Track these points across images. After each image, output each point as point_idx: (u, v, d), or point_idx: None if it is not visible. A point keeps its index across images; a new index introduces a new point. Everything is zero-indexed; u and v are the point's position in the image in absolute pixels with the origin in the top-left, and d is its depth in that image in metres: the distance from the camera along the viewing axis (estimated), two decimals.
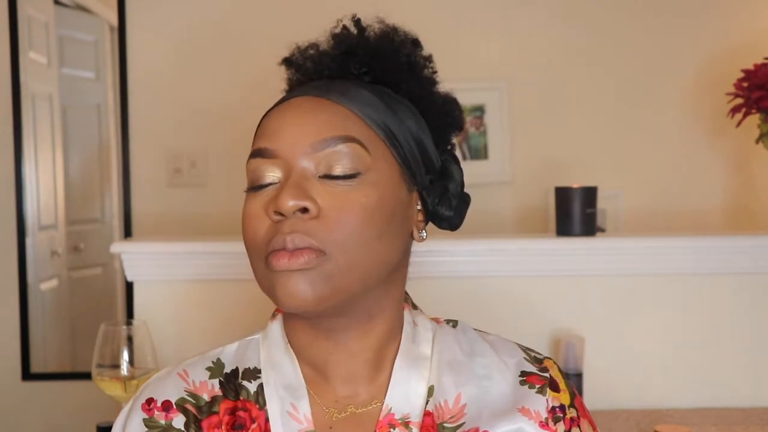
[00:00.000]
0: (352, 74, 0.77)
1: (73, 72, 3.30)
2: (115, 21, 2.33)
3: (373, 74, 0.77)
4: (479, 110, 2.24)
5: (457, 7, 2.19)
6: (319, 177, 0.69)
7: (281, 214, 0.68)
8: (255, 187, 0.72)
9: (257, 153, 0.72)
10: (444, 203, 0.78)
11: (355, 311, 0.73)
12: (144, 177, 2.26)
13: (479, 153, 2.25)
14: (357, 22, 0.79)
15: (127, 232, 2.25)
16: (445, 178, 0.79)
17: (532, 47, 2.24)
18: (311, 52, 0.79)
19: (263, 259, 0.69)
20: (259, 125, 0.76)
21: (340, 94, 0.73)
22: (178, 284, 1.53)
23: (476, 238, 1.49)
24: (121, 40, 2.24)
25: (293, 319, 0.76)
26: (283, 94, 0.80)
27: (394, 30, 0.79)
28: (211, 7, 2.24)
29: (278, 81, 0.81)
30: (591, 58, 2.24)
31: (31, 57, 2.60)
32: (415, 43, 0.80)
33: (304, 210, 0.67)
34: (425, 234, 0.77)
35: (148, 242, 1.55)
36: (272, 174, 0.71)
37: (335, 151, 0.69)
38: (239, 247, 1.48)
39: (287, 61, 0.80)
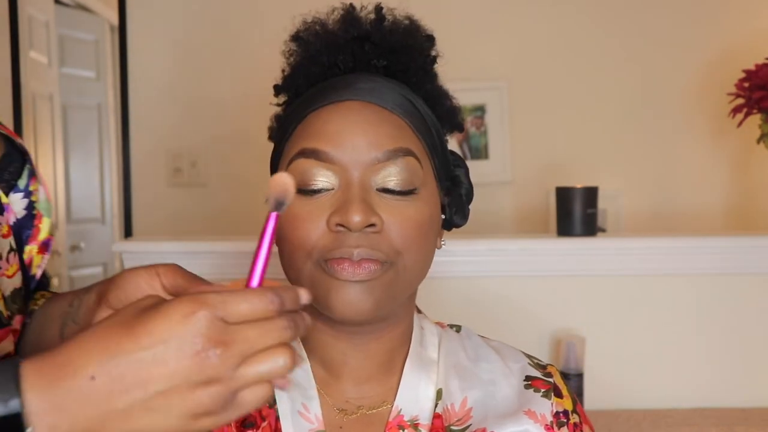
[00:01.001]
0: (369, 64, 0.75)
1: (74, 71, 3.30)
2: (115, 20, 2.33)
3: (392, 69, 0.75)
4: (479, 110, 2.25)
5: (457, 7, 2.20)
6: (377, 190, 0.69)
7: (344, 226, 0.67)
8: (305, 189, 0.69)
9: (310, 153, 0.70)
10: (459, 212, 0.79)
11: (386, 316, 0.74)
12: (144, 176, 2.26)
13: (480, 153, 2.25)
14: (378, 9, 0.76)
15: (128, 232, 2.25)
16: (457, 185, 0.80)
17: (532, 47, 2.24)
18: (317, 28, 0.76)
19: (315, 262, 0.69)
20: (302, 120, 0.73)
21: (395, 103, 0.72)
22: None
23: (476, 238, 1.49)
24: (121, 40, 2.24)
25: (311, 318, 0.76)
26: (286, 68, 0.78)
27: (416, 25, 0.77)
28: (211, 6, 2.25)
29: (279, 79, 0.80)
30: (591, 58, 2.24)
31: (31, 56, 2.60)
32: (432, 39, 0.78)
33: (371, 225, 0.67)
34: (445, 241, 0.78)
35: (149, 242, 1.55)
36: (325, 179, 0.69)
37: (395, 164, 0.69)
38: (239, 246, 1.49)
39: (297, 38, 0.77)
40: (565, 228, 1.53)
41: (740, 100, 1.70)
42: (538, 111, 2.25)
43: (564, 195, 1.54)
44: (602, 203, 1.63)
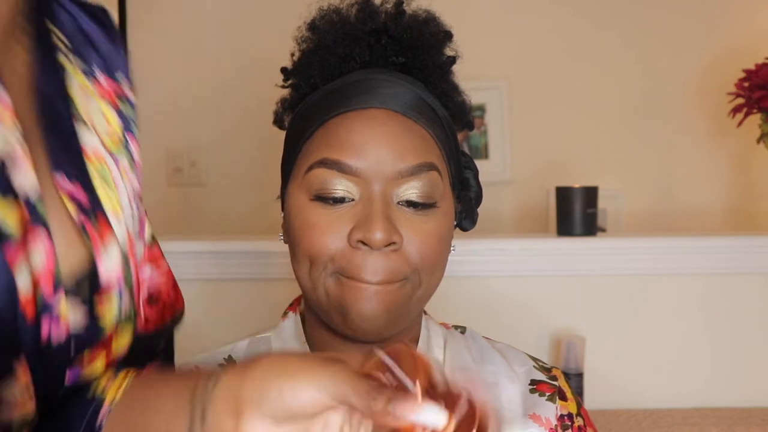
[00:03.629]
0: (386, 60, 0.74)
1: None
2: (115, 20, 2.33)
3: (409, 65, 0.74)
4: (479, 110, 2.25)
5: (457, 7, 2.19)
6: (397, 203, 0.68)
7: (365, 243, 0.66)
8: (325, 198, 0.68)
9: (332, 164, 0.68)
10: (468, 217, 0.78)
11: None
12: (144, 176, 2.25)
13: (479, 152, 2.25)
14: (398, 2, 0.74)
15: None
16: (466, 188, 0.79)
17: (532, 47, 2.24)
18: (334, 17, 0.74)
19: (332, 273, 0.68)
20: (323, 124, 0.70)
21: (418, 111, 0.70)
22: (179, 283, 1.52)
23: (476, 238, 1.49)
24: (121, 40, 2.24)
25: (317, 321, 0.75)
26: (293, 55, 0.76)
27: (435, 20, 0.76)
28: (211, 6, 2.24)
29: (280, 80, 0.79)
30: (591, 58, 2.24)
31: None
32: (450, 36, 0.77)
33: (391, 243, 0.66)
34: (455, 246, 0.77)
35: None
36: (346, 190, 0.68)
37: (418, 179, 0.68)
38: (239, 246, 1.49)
39: (313, 26, 0.75)
40: (565, 228, 1.53)
41: (740, 100, 1.70)
42: (538, 111, 2.25)
43: (564, 195, 1.54)
44: (602, 203, 1.63)
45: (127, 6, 2.22)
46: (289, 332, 0.78)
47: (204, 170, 2.25)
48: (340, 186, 0.67)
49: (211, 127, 2.24)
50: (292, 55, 0.77)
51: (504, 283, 1.52)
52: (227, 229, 2.18)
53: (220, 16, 2.23)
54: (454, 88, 0.77)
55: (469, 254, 1.49)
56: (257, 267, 1.49)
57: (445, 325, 0.83)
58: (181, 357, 0.83)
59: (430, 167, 0.69)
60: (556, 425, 0.75)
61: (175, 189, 2.26)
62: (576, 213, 1.52)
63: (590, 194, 1.53)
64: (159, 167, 2.25)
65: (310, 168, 0.69)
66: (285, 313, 0.81)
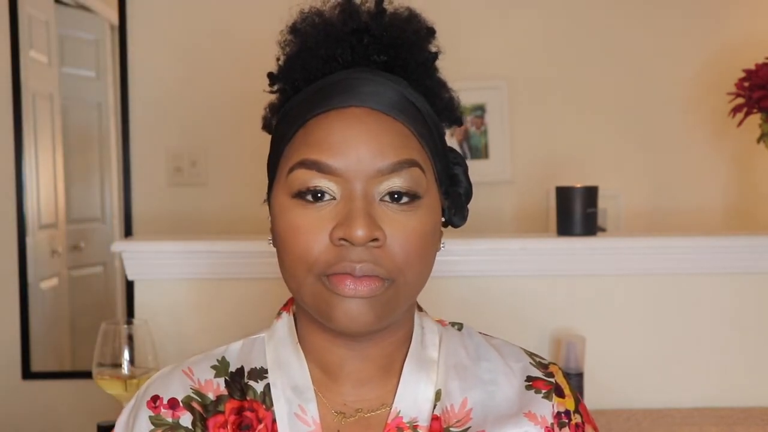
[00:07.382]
0: (368, 60, 0.74)
1: (74, 71, 3.29)
2: (115, 20, 2.33)
3: (391, 64, 0.74)
4: (480, 110, 2.24)
5: (457, 7, 2.19)
6: (380, 200, 0.68)
7: (347, 240, 0.66)
8: (305, 196, 0.68)
9: (312, 165, 0.68)
10: (458, 213, 0.78)
11: (387, 326, 0.73)
12: (144, 176, 2.26)
13: (480, 152, 2.25)
14: (378, 1, 0.74)
15: (128, 231, 2.26)
16: (456, 184, 0.78)
17: (532, 47, 2.24)
18: (315, 19, 0.74)
19: (317, 276, 0.68)
20: (303, 125, 0.71)
21: (399, 109, 0.70)
22: (179, 283, 1.53)
23: (476, 238, 1.49)
24: (121, 39, 2.24)
25: (309, 321, 0.75)
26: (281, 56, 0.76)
27: (416, 17, 0.76)
28: (211, 6, 2.24)
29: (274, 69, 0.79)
30: (591, 58, 2.24)
31: (31, 56, 2.60)
32: (432, 32, 0.76)
33: (374, 240, 0.66)
34: (444, 243, 0.77)
35: (149, 241, 1.55)
36: (327, 189, 0.68)
37: (399, 176, 0.68)
38: (239, 246, 1.49)
39: (294, 30, 0.75)
40: (565, 228, 1.53)
41: (740, 100, 1.70)
42: (538, 111, 2.24)
43: (564, 194, 1.53)
44: (602, 203, 1.63)
45: (127, 6, 2.23)
46: (282, 333, 0.78)
47: (204, 170, 2.25)
48: (321, 186, 0.68)
49: (211, 127, 2.23)
50: (277, 59, 0.77)
51: (504, 283, 1.52)
52: (227, 229, 2.18)
53: (221, 17, 2.23)
54: (441, 85, 0.76)
55: (469, 254, 1.49)
56: (256, 267, 1.49)
57: (441, 322, 0.82)
58: (178, 358, 0.83)
59: (411, 163, 0.69)
60: (552, 423, 0.75)
61: (175, 189, 2.26)
62: (576, 213, 1.52)
63: (590, 194, 1.53)
64: (159, 167, 2.25)
65: (291, 169, 0.69)
66: (279, 314, 0.80)
